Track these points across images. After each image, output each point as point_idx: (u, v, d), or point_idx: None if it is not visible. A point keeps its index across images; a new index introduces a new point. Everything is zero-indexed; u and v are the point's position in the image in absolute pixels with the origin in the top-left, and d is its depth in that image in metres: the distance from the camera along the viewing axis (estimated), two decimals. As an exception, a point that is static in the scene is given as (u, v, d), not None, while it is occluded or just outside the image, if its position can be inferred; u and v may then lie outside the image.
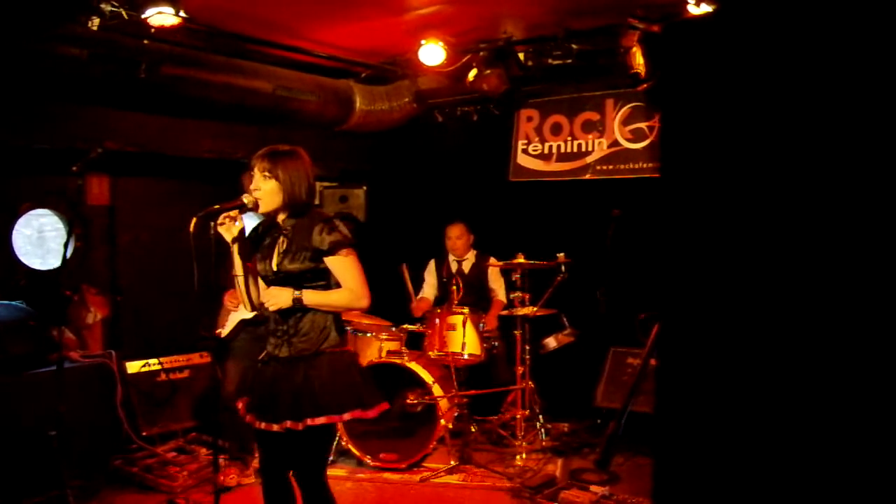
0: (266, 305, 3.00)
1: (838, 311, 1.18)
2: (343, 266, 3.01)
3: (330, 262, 3.00)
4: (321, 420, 2.90)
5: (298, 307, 2.97)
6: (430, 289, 6.19)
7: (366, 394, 3.05)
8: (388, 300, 6.14)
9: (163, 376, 5.25)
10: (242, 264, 3.09)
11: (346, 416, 2.97)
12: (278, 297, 2.96)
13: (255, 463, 4.48)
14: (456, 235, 6.01)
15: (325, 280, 3.04)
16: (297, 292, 2.96)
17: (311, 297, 2.98)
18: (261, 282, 3.15)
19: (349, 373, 3.05)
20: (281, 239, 3.07)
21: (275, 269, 3.04)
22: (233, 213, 3.03)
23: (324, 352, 3.01)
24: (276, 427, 2.94)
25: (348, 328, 5.37)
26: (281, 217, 3.09)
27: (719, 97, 1.28)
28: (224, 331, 4.73)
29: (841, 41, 1.20)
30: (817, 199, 1.20)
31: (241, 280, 3.11)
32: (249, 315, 4.28)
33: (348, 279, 3.02)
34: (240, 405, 3.17)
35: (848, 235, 1.18)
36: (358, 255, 3.07)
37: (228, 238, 3.04)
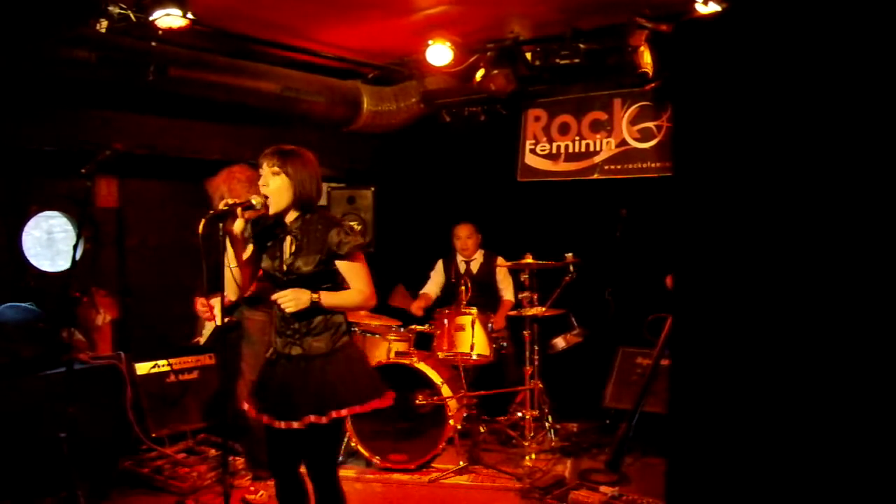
0: (282, 306, 2.99)
1: (856, 309, 1.17)
2: (355, 269, 3.06)
3: (342, 265, 3.05)
4: (345, 412, 2.96)
5: (316, 308, 2.99)
6: (434, 286, 6.19)
7: (379, 384, 3.16)
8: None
9: (172, 377, 5.26)
10: (238, 256, 3.10)
11: (368, 406, 3.04)
12: (298, 299, 2.96)
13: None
14: (465, 235, 6.01)
15: (333, 281, 3.07)
16: (314, 294, 2.97)
17: (327, 298, 3.01)
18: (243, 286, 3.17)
19: (363, 365, 3.16)
20: (289, 239, 3.07)
21: (285, 268, 3.05)
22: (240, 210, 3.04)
23: (339, 349, 3.06)
24: (296, 424, 2.95)
25: (356, 329, 5.38)
26: (289, 217, 3.09)
27: (730, 95, 1.28)
28: (202, 339, 4.71)
29: (851, 40, 1.19)
30: (830, 196, 1.19)
31: (233, 271, 3.11)
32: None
33: (359, 281, 3.07)
34: (246, 406, 3.18)
35: (862, 233, 1.17)
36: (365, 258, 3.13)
37: (237, 230, 3.04)
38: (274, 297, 3.04)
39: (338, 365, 3.02)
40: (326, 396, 2.96)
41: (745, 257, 1.27)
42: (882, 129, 1.16)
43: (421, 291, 6.19)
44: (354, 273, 3.06)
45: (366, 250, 3.17)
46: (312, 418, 2.93)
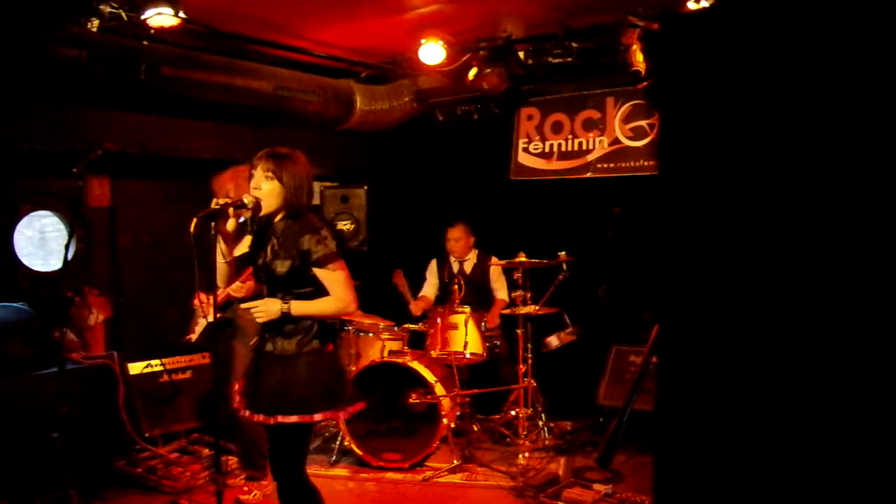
0: (255, 318, 3.05)
1: (836, 308, 1.18)
2: (332, 278, 3.06)
3: (319, 272, 3.05)
4: (292, 419, 2.96)
5: (287, 318, 3.02)
6: (430, 288, 6.19)
7: (339, 395, 3.10)
8: (390, 300, 6.18)
9: (165, 377, 5.25)
10: (230, 253, 3.14)
11: (317, 417, 3.02)
12: (268, 311, 3.01)
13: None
14: (455, 238, 5.99)
15: (312, 285, 3.07)
16: (284, 305, 3.00)
17: (298, 307, 3.02)
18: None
19: (325, 374, 3.10)
20: (273, 240, 3.10)
21: (264, 267, 3.10)
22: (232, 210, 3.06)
23: (304, 353, 3.05)
24: (254, 418, 3.06)
25: (350, 328, 5.38)
26: (278, 218, 3.12)
27: (717, 91, 1.28)
28: (194, 336, 4.71)
29: (842, 35, 1.19)
30: (816, 196, 1.19)
31: (226, 265, 3.15)
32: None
33: (336, 289, 3.07)
34: (237, 386, 3.26)
35: (847, 234, 1.17)
36: (346, 264, 3.13)
37: (229, 229, 3.08)
38: (245, 305, 3.09)
39: (299, 370, 3.02)
40: (278, 400, 2.99)
41: (730, 256, 1.27)
42: (873, 127, 1.16)
43: (419, 295, 6.19)
44: (332, 280, 3.05)
45: (348, 253, 3.18)
46: (261, 417, 3.00)
